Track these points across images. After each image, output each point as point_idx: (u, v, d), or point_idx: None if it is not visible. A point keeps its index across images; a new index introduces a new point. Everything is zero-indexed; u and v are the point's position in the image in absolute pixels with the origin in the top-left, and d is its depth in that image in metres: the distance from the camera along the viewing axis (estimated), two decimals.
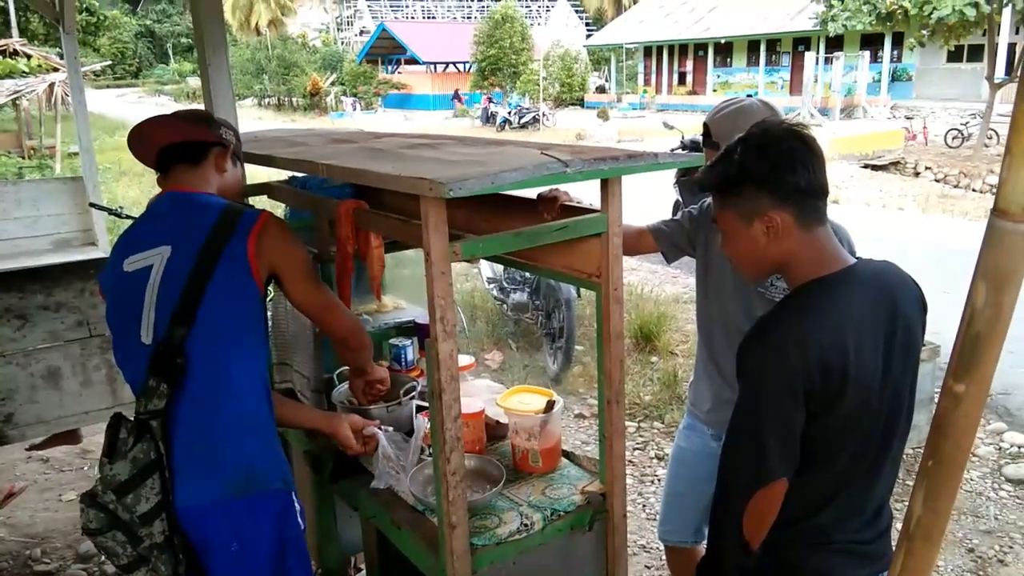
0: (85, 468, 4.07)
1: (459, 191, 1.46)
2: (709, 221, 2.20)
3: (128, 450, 1.68)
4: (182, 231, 1.78)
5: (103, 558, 3.23)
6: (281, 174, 2.61)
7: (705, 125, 2.30)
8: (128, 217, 4.45)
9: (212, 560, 1.77)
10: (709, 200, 2.28)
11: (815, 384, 1.37)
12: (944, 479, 1.06)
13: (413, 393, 2.36)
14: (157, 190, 1.94)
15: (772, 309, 1.53)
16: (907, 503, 1.12)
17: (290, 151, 2.20)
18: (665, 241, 2.31)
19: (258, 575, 1.82)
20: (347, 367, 2.54)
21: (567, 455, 2.22)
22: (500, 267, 6.24)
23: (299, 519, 1.90)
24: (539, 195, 2.00)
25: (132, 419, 1.73)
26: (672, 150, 2.43)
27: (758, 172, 1.43)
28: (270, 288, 1.92)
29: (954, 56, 25.82)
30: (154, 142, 1.88)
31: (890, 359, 1.44)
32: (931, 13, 18.73)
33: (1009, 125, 0.96)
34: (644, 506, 3.65)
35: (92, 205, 5.43)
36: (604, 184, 1.81)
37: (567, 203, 1.97)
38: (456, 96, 34.88)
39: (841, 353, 1.38)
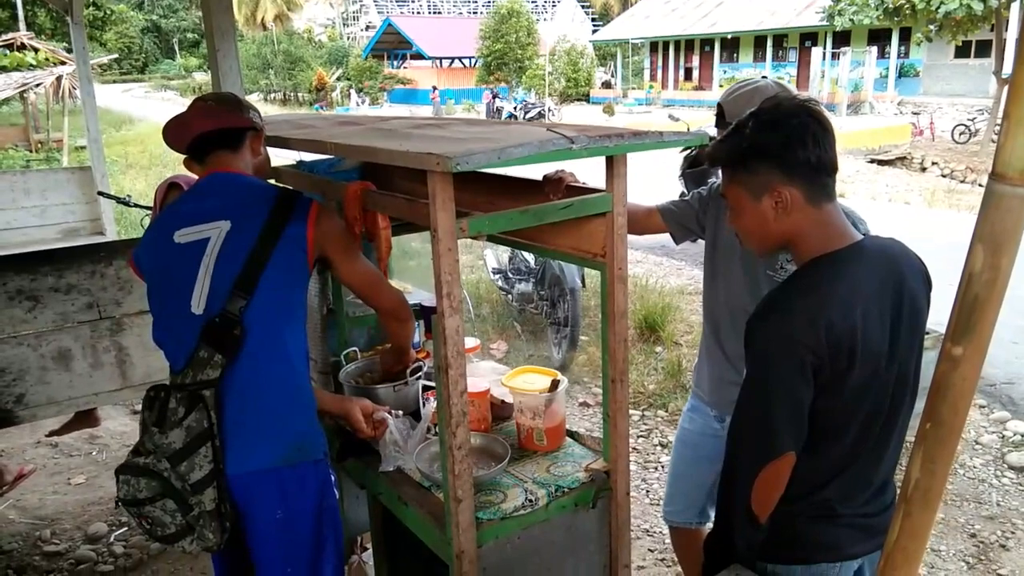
0: (93, 453, 4.12)
1: (466, 165, 1.48)
2: (718, 203, 2.21)
3: (181, 419, 1.72)
4: (240, 208, 1.85)
5: (112, 539, 3.27)
6: (286, 160, 2.64)
7: (719, 106, 2.30)
8: (137, 206, 4.49)
9: (255, 527, 1.83)
10: (718, 182, 2.30)
11: (823, 359, 1.38)
12: (942, 442, 1.08)
13: (419, 373, 2.39)
14: (158, 182, 1.99)
15: (780, 284, 1.54)
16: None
17: (299, 133, 2.23)
18: (673, 221, 2.31)
19: (299, 542, 1.88)
20: (355, 351, 2.58)
21: (571, 435, 2.24)
22: (505, 257, 6.27)
23: (335, 489, 1.97)
24: (545, 176, 2.02)
25: (175, 388, 1.77)
26: (683, 149, 2.45)
27: (769, 147, 1.44)
28: None
29: (961, 52, 25.71)
30: (194, 129, 1.93)
31: (897, 334, 1.45)
32: (938, 7, 18.63)
33: (1008, 91, 0.98)
34: (647, 492, 3.67)
35: (101, 194, 5.49)
36: (609, 163, 1.82)
37: (573, 184, 1.99)
38: (435, 92, 34.30)
39: (849, 328, 1.39)
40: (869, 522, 1.51)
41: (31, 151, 15.56)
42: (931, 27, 20.03)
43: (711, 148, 1.58)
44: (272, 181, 2.61)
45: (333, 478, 1.99)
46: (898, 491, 1.64)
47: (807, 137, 1.42)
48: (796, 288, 1.47)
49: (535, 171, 2.04)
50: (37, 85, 14.33)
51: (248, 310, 1.77)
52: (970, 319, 1.02)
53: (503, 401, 2.33)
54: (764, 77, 2.34)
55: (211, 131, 1.92)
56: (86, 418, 3.75)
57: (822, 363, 1.38)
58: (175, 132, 1.94)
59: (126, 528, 3.33)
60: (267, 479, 1.81)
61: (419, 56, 39.87)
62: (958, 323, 1.03)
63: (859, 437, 1.47)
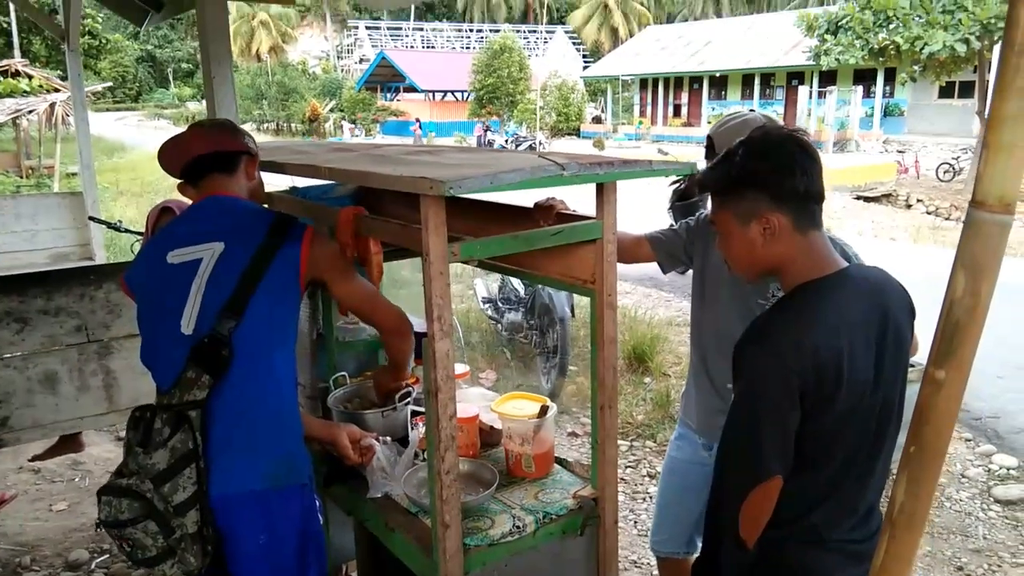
0: (76, 479, 4.06)
1: (459, 190, 1.50)
2: (706, 233, 2.24)
3: (166, 439, 1.71)
4: (235, 230, 1.86)
5: (93, 567, 3.22)
6: (280, 185, 2.66)
7: (709, 138, 2.34)
8: (128, 231, 4.49)
9: (238, 550, 1.81)
10: (706, 212, 2.33)
11: (810, 383, 1.40)
12: (925, 465, 1.09)
13: (408, 399, 2.39)
14: (149, 208, 2.01)
15: (768, 310, 1.56)
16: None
17: (293, 158, 2.25)
18: (662, 250, 2.33)
19: (282, 568, 1.86)
20: (343, 376, 2.58)
21: (560, 461, 2.24)
22: (495, 287, 6.29)
23: (319, 515, 1.96)
24: (536, 203, 2.05)
25: (161, 408, 1.76)
26: (671, 183, 2.49)
27: (759, 174, 1.47)
28: None
29: (945, 92, 26.21)
30: (190, 152, 1.94)
31: (882, 361, 1.47)
32: (922, 48, 19.01)
33: (986, 121, 1.01)
34: (636, 523, 3.65)
35: (92, 219, 5.48)
36: (599, 191, 1.85)
37: (563, 211, 2.02)
38: (416, 124, 34.42)
39: (836, 354, 1.41)
40: (856, 548, 1.52)
41: (22, 177, 15.56)
42: (915, 68, 20.43)
43: (701, 175, 1.61)
44: (265, 206, 2.64)
45: (318, 504, 1.97)
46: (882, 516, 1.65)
47: (795, 165, 1.46)
48: (783, 313, 1.49)
49: (527, 199, 2.07)
50: (30, 112, 14.38)
51: (238, 331, 1.76)
52: (952, 343, 1.04)
53: (492, 427, 2.33)
54: (752, 110, 2.39)
55: (206, 154, 1.94)
56: (70, 443, 3.72)
57: (808, 387, 1.40)
58: (171, 155, 1.96)
59: (108, 555, 3.28)
60: (251, 501, 1.80)
61: (412, 89, 40.23)
62: (940, 347, 1.05)
63: (845, 463, 1.48)
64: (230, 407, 1.78)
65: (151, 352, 1.87)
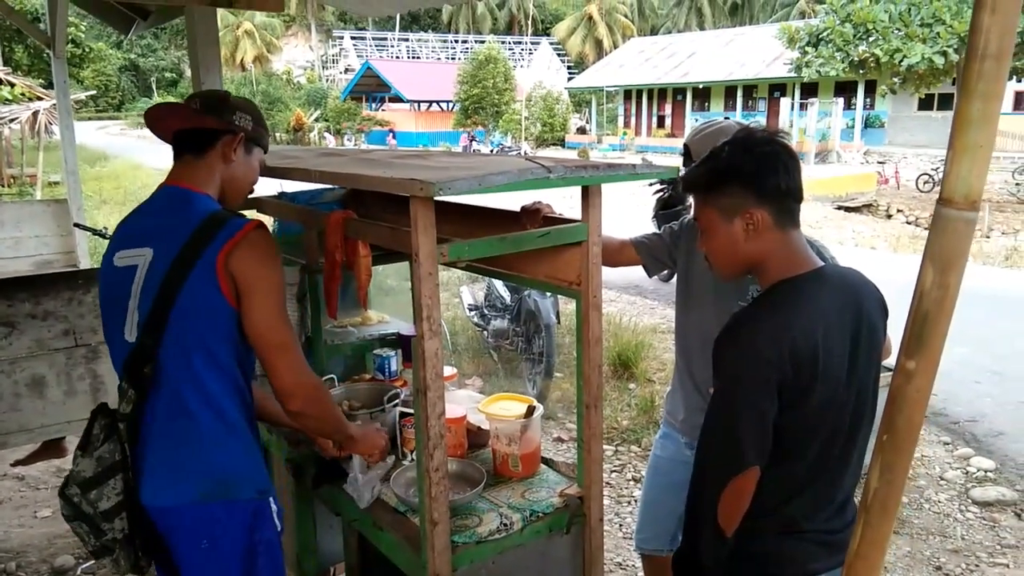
0: None
1: (448, 191, 1.54)
2: (690, 236, 2.29)
3: (96, 448, 1.71)
4: (164, 235, 1.73)
5: (79, 572, 3.22)
6: (267, 190, 2.68)
7: (686, 146, 2.40)
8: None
9: (182, 554, 1.78)
10: (689, 216, 2.38)
11: (787, 377, 1.45)
12: (898, 451, 1.13)
13: (396, 400, 2.41)
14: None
15: (746, 306, 1.61)
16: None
17: (284, 162, 2.28)
18: (647, 253, 2.38)
19: (227, 572, 1.80)
20: (332, 379, 2.60)
21: (546, 461, 2.27)
22: (481, 295, 6.32)
23: (276, 520, 1.88)
24: (523, 207, 2.09)
25: (101, 414, 1.75)
26: (655, 192, 2.56)
27: (744, 169, 1.52)
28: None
29: (925, 104, 26.60)
30: (166, 126, 1.85)
31: (856, 356, 1.52)
32: (901, 61, 19.33)
33: (952, 124, 1.06)
34: (621, 525, 3.68)
35: (77, 225, 5.47)
36: (585, 194, 1.90)
37: (549, 214, 2.06)
38: (391, 135, 34.61)
39: (812, 348, 1.46)
40: (832, 538, 1.56)
41: (3, 185, 15.45)
42: (895, 80, 20.75)
43: (687, 174, 1.66)
44: (255, 212, 2.66)
45: (275, 508, 1.86)
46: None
47: (778, 163, 1.52)
48: (762, 309, 1.54)
49: (514, 203, 2.11)
50: (12, 120, 14.28)
51: (161, 347, 1.68)
52: (922, 334, 1.09)
53: (479, 428, 2.36)
54: (726, 118, 2.45)
55: (182, 130, 1.83)
56: (53, 448, 3.70)
57: (786, 380, 1.44)
58: (153, 123, 1.87)
59: (93, 561, 3.28)
60: (187, 512, 1.75)
61: (398, 99, 40.30)
62: (911, 338, 1.10)
63: (821, 455, 1.53)
64: (161, 421, 1.72)
65: (111, 354, 1.83)
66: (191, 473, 1.75)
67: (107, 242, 1.96)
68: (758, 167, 1.52)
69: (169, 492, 1.74)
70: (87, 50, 28.78)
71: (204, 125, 1.82)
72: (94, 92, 44.12)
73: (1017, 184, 18.21)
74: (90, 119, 52.84)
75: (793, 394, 1.46)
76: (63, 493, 1.75)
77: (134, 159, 24.53)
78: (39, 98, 15.09)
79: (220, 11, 3.53)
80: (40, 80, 20.24)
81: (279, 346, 1.72)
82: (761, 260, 1.56)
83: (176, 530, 1.76)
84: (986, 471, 4.28)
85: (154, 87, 58.45)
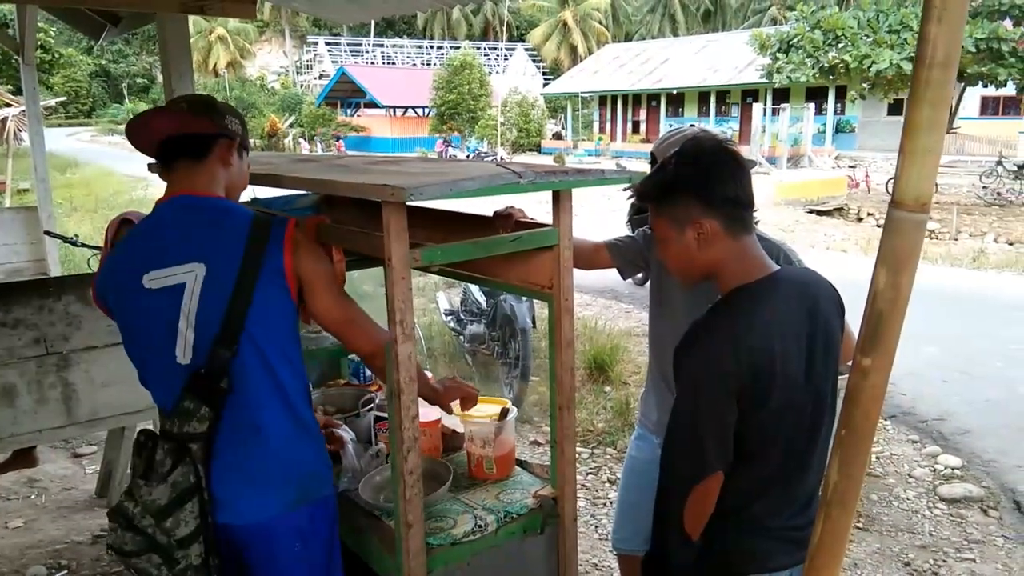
0: (32, 496, 4.00)
1: (420, 196, 1.57)
2: None
3: (167, 472, 1.63)
4: (214, 246, 1.67)
5: None
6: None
7: (652, 154, 2.44)
8: (84, 245, 4.45)
9: (266, 564, 1.75)
10: None
11: (745, 384, 1.48)
12: (856, 446, 1.17)
13: (371, 405, 2.43)
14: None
15: (704, 314, 1.64)
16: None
17: (258, 168, 2.28)
18: (620, 256, 2.41)
19: (315, 571, 1.81)
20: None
21: (521, 464, 2.30)
22: (457, 300, 6.34)
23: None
24: (495, 212, 2.11)
25: (163, 436, 1.68)
26: (629, 196, 2.60)
27: (691, 180, 1.56)
28: None
29: (894, 109, 27.00)
30: (155, 133, 1.75)
31: (813, 358, 1.56)
32: (870, 67, 19.65)
33: (902, 129, 1.10)
34: (596, 527, 3.72)
35: (48, 233, 5.40)
36: (556, 199, 1.93)
37: (522, 219, 2.09)
38: (340, 143, 34.69)
39: (769, 354, 1.49)
40: (796, 535, 1.60)
41: None
42: (864, 85, 21.09)
43: (639, 184, 1.69)
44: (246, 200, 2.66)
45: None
46: None
47: (725, 172, 1.56)
48: (719, 318, 1.57)
49: (488, 209, 2.14)
50: None
51: (236, 358, 1.64)
52: (876, 333, 1.13)
53: (454, 431, 2.38)
54: (692, 126, 2.49)
55: (174, 136, 1.74)
56: (23, 458, 3.66)
57: (744, 387, 1.48)
58: (138, 135, 1.76)
59: (66, 571, 3.24)
60: (272, 526, 1.73)
61: (373, 104, 40.19)
62: (866, 337, 1.14)
63: (782, 456, 1.57)
64: (237, 435, 1.68)
65: (146, 378, 1.76)
66: (272, 483, 1.72)
67: (79, 251, 1.92)
68: (706, 177, 1.55)
69: (255, 507, 1.71)
70: (57, 56, 28.37)
71: (202, 129, 1.75)
72: (64, 98, 43.59)
73: (984, 188, 18.55)
74: (60, 125, 52.13)
75: (752, 400, 1.49)
76: (130, 526, 1.64)
77: (105, 166, 24.24)
78: (8, 104, 14.83)
79: (192, 16, 3.53)
80: (9, 86, 19.94)
81: (351, 320, 1.79)
82: (716, 268, 1.59)
83: (262, 543, 1.73)
84: (953, 468, 4.37)
85: (125, 93, 57.83)
